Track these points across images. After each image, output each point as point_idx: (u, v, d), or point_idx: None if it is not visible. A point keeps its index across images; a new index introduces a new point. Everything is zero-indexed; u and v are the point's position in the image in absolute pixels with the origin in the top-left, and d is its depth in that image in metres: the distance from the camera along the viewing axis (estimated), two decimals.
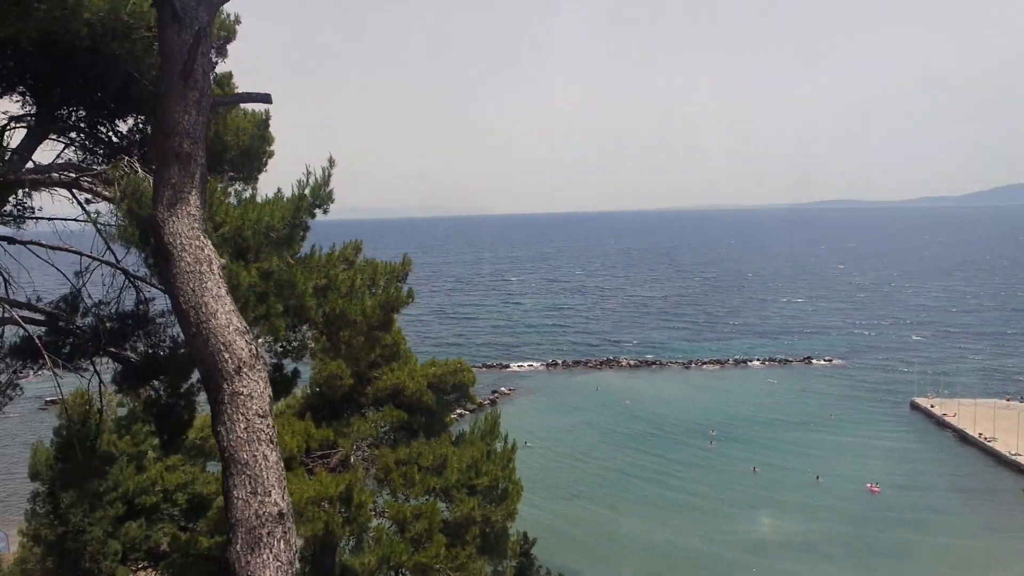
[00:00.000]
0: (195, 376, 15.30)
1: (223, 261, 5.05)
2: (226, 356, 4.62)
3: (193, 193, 4.98)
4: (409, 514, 15.00)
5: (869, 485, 59.45)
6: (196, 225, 4.92)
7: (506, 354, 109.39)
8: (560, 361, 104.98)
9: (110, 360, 15.29)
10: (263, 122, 11.85)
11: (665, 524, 53.38)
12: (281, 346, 12.45)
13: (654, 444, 70.54)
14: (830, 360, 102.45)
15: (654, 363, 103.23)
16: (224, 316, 4.71)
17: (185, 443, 25.75)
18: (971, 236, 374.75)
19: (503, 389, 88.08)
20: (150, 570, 23.48)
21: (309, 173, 10.90)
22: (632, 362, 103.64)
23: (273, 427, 4.66)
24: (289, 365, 12.74)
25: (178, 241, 4.78)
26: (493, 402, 78.53)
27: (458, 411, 18.53)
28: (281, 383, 12.54)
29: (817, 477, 61.00)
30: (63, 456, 21.37)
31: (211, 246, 4.96)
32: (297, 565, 4.42)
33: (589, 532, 52.12)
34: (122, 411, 26.57)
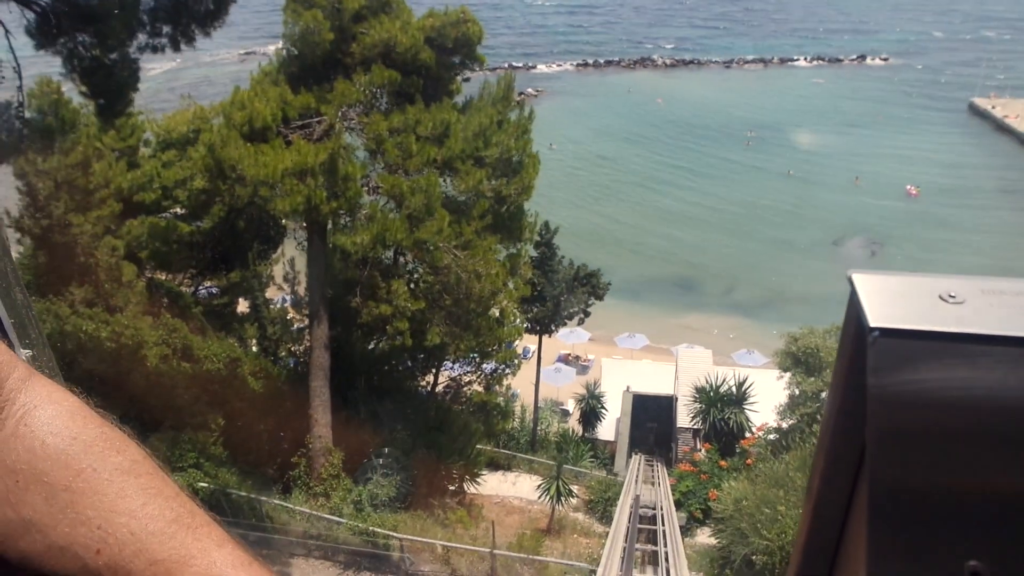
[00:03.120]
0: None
1: None
2: None
3: None
4: (406, 188, 12.81)
5: (908, 188, 57.00)
6: None
7: (533, 56, 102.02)
8: (591, 61, 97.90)
9: (17, 6, 12.06)
10: None
11: (692, 224, 52.48)
12: None
13: (686, 146, 67.39)
14: (886, 59, 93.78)
15: (691, 62, 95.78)
16: None
17: (174, 136, 23.38)
18: None
19: (530, 90, 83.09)
20: (161, 272, 22.47)
21: None
22: (668, 61, 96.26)
23: None
24: None
25: None
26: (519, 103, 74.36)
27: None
28: (209, 7, 9.47)
29: (856, 178, 58.45)
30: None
31: None
32: None
33: (615, 231, 51.55)
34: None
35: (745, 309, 41.41)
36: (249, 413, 18.58)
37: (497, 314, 16.63)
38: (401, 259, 15.10)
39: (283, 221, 16.82)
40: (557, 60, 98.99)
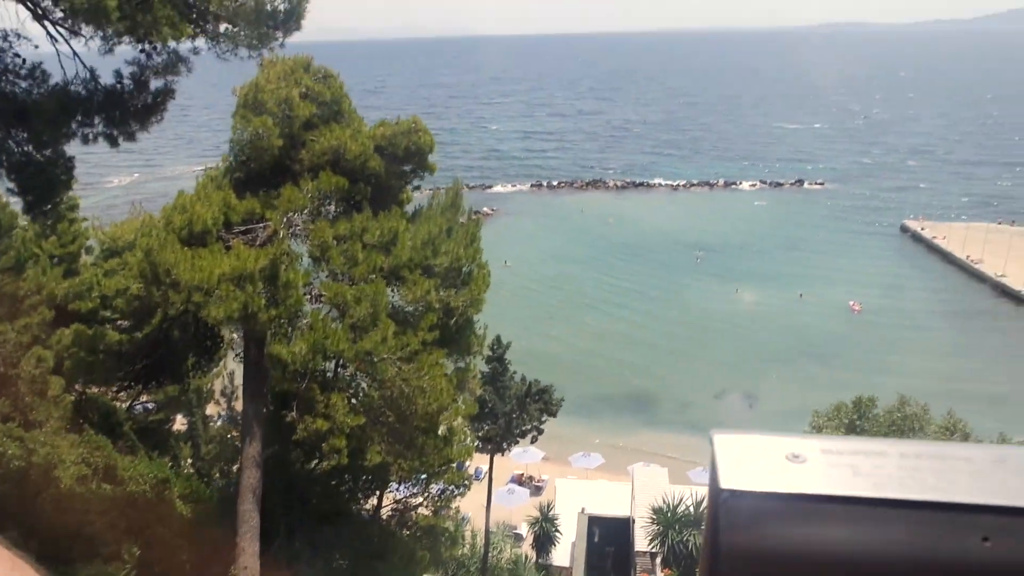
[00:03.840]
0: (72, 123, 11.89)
1: None
2: None
3: None
4: (350, 297, 12.31)
5: (852, 303, 58.82)
6: None
7: (489, 176, 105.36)
8: (545, 183, 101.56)
9: None
10: None
11: (643, 345, 52.76)
12: (143, 50, 8.98)
13: (635, 268, 68.99)
14: (822, 183, 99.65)
15: (641, 185, 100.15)
16: None
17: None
18: (979, 61, 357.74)
19: (485, 209, 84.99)
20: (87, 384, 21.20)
21: None
22: (619, 183, 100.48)
23: None
24: (155, 82, 9.34)
25: None
26: (474, 221, 75.62)
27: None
28: (147, 101, 9.20)
29: (800, 295, 60.22)
30: None
31: None
32: None
33: (567, 350, 51.43)
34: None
35: (699, 427, 40.89)
36: (172, 541, 16.94)
37: (445, 432, 15.78)
38: (342, 371, 14.38)
39: (220, 332, 15.99)
40: (512, 181, 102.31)
